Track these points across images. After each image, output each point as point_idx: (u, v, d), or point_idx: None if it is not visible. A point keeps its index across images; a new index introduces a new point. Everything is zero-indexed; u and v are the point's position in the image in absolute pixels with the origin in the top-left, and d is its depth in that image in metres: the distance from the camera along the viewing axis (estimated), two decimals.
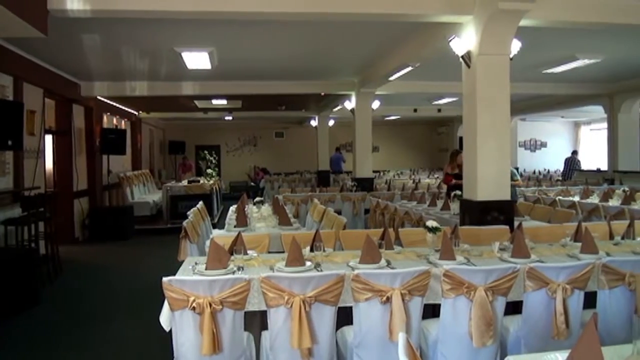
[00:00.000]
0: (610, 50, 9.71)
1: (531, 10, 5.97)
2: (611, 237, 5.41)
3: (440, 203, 8.25)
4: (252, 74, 11.73)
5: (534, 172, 21.19)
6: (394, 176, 19.32)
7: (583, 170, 17.18)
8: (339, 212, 8.93)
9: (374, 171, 15.19)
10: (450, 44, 6.58)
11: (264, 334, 3.59)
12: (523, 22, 6.26)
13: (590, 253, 4.30)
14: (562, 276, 3.65)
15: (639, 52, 10.18)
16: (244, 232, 5.14)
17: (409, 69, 9.32)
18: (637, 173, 14.45)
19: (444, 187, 12.53)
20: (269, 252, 5.07)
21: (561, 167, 18.75)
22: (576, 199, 9.93)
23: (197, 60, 9.35)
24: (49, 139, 10.96)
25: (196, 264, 4.02)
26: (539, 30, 6.99)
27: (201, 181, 15.24)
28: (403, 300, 3.44)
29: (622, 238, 5.06)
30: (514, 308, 3.89)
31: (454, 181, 9.18)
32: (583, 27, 7.05)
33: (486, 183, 6.35)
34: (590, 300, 3.90)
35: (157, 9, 5.90)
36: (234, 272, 3.79)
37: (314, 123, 20.44)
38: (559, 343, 3.52)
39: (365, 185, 12.56)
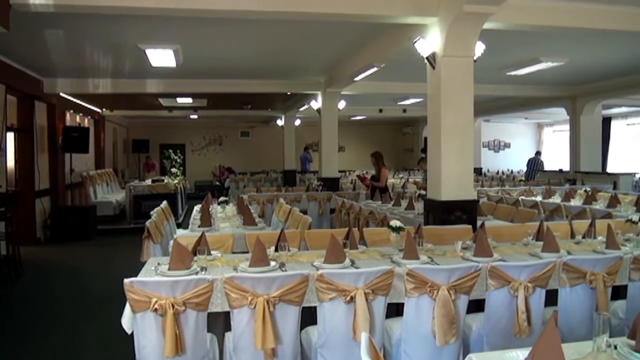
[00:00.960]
0: (573, 53, 9.90)
1: (495, 14, 6.04)
2: (572, 236, 5.52)
3: (404, 203, 8.31)
4: (217, 72, 11.66)
5: (498, 173, 21.48)
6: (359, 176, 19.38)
7: (546, 171, 17.48)
8: (305, 212, 8.92)
9: (339, 171, 15.24)
10: (415, 45, 6.63)
11: (228, 335, 3.56)
12: (487, 25, 6.33)
13: (551, 252, 4.37)
14: (524, 275, 3.72)
15: (601, 55, 10.40)
16: (208, 232, 5.11)
17: (375, 69, 9.36)
18: (599, 174, 14.78)
19: (409, 187, 12.66)
20: (233, 253, 5.03)
21: (524, 168, 19.04)
22: (539, 198, 10.09)
23: (161, 57, 9.24)
24: (10, 136, 10.71)
25: (159, 264, 3.96)
26: (503, 33, 7.08)
27: (165, 180, 15.08)
28: (367, 299, 3.46)
29: (583, 237, 5.16)
30: (476, 306, 3.95)
31: (368, 182, 9.50)
32: (546, 30, 7.18)
33: (450, 183, 6.41)
34: (551, 298, 3.97)
35: (121, 5, 5.81)
36: (197, 273, 3.75)
37: (280, 122, 20.41)
38: (521, 340, 3.58)
39: (331, 184, 12.59)
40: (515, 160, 24.01)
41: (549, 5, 6.61)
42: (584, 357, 2.35)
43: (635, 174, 15.32)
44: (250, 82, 12.73)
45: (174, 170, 16.25)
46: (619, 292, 4.40)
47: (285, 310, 3.43)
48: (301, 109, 17.06)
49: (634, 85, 12.88)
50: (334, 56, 10.22)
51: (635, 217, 5.35)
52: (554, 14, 6.68)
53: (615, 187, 12.81)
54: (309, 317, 3.66)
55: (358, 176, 11.35)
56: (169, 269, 3.77)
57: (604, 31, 7.21)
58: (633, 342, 2.44)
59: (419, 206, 7.53)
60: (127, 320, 3.42)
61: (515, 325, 3.68)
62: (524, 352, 2.30)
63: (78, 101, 14.77)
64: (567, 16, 6.73)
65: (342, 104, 13.46)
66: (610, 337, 2.25)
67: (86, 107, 16.03)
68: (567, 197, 9.64)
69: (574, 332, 3.81)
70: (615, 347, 2.39)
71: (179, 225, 9.66)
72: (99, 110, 17.50)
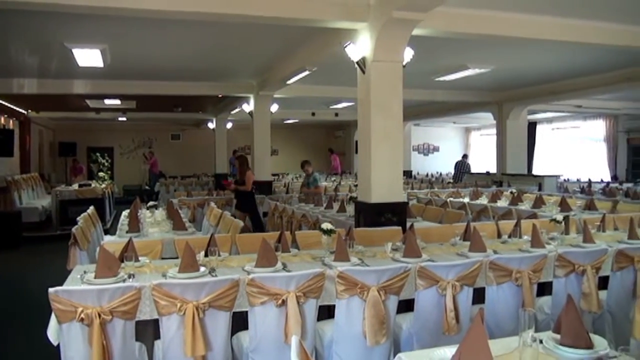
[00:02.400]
0: (499, 60, 10.23)
1: (424, 20, 6.16)
2: (499, 235, 5.71)
3: (336, 205, 8.36)
4: (147, 73, 11.43)
5: (427, 175, 21.91)
6: (292, 179, 19.37)
7: (473, 173, 17.97)
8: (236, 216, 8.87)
9: (272, 174, 15.19)
10: (346, 49, 6.70)
11: (157, 343, 3.48)
12: (416, 31, 6.46)
13: (478, 251, 4.50)
14: (452, 274, 3.81)
15: (526, 63, 10.81)
16: (136, 238, 4.99)
17: (307, 73, 9.40)
18: (524, 176, 15.30)
19: (341, 190, 12.75)
20: (162, 259, 4.93)
21: (452, 170, 19.51)
22: (466, 200, 10.34)
23: (88, 57, 8.97)
24: None
25: (85, 272, 3.84)
26: (431, 40, 7.25)
27: (93, 185, 14.62)
28: (298, 302, 3.46)
29: (509, 237, 5.35)
30: (406, 306, 4.01)
31: (233, 186, 9.75)
32: (473, 38, 7.39)
33: (380, 186, 6.50)
34: (479, 296, 4.09)
35: (46, 1, 5.61)
36: (124, 281, 3.65)
37: (211, 125, 20.16)
38: (450, 338, 3.65)
39: (264, 188, 12.53)
40: (443, 163, 24.56)
41: (476, 14, 6.82)
42: (510, 352, 2.44)
43: (559, 176, 15.96)
44: (181, 84, 12.55)
45: (101, 174, 15.77)
46: (544, 289, 4.58)
47: (216, 316, 3.39)
48: (233, 111, 16.95)
49: (557, 91, 13.47)
50: (266, 59, 10.20)
51: (559, 217, 5.56)
52: (481, 22, 6.90)
53: (540, 189, 13.24)
54: (240, 322, 3.62)
55: (224, 181, 11.37)
56: (95, 277, 3.65)
57: (529, 40, 7.51)
58: (558, 336, 2.55)
59: (350, 209, 7.60)
60: (53, 331, 3.30)
61: (444, 324, 3.77)
62: (451, 349, 2.36)
63: (1, 102, 14.16)
64: (493, 24, 6.97)
65: (274, 107, 13.45)
66: (536, 332, 2.34)
67: (10, 108, 15.37)
68: (494, 198, 9.92)
69: (501, 328, 3.93)
70: (541, 342, 2.49)
71: (106, 231, 9.39)
72: (24, 111, 16.83)
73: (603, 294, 4.53)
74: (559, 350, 2.47)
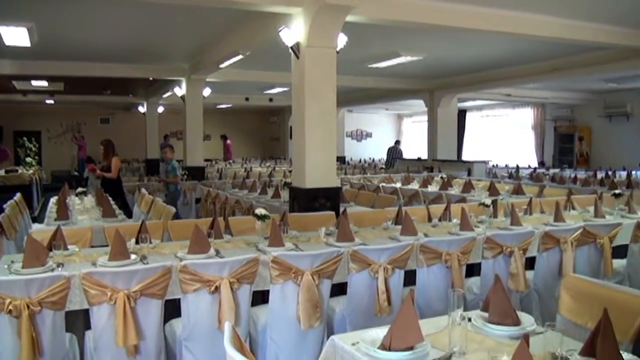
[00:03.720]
0: (431, 49, 10.39)
1: (357, 7, 6.20)
2: (429, 219, 5.82)
3: (271, 191, 8.34)
4: (75, 54, 11.02)
5: (360, 161, 22.13)
6: (226, 165, 19.20)
7: (405, 159, 18.25)
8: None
9: (205, 160, 15.00)
10: (280, 34, 6.65)
11: (88, 334, 3.40)
12: (349, 18, 6.49)
13: (409, 235, 4.59)
14: (384, 257, 3.88)
15: (456, 52, 11.04)
16: (65, 226, 4.83)
17: (240, 57, 9.28)
18: (454, 162, 15.66)
19: (275, 176, 12.73)
20: (92, 247, 4.79)
21: (385, 156, 19.77)
22: (398, 185, 10.50)
23: (14, 36, 8.50)
24: None
25: (12, 262, 3.67)
26: (365, 27, 7.29)
27: (20, 171, 14.06)
28: (232, 288, 3.45)
29: (439, 220, 5.48)
30: (339, 289, 4.06)
31: (98, 172, 9.43)
32: (405, 26, 7.48)
33: (314, 171, 6.53)
34: (410, 278, 4.19)
35: None
36: (52, 270, 3.50)
37: (142, 109, 19.68)
38: (382, 319, 3.72)
39: (197, 174, 12.37)
40: (376, 149, 24.85)
41: (409, 2, 6.91)
42: (440, 330, 2.51)
43: (488, 161, 16.43)
44: (110, 66, 12.15)
45: (28, 159, 15.17)
46: (473, 270, 4.73)
47: (148, 304, 3.33)
48: (165, 95, 16.58)
49: (487, 80, 13.85)
50: (198, 42, 10.03)
51: (487, 201, 5.71)
52: (413, 11, 6.99)
53: (469, 174, 13.57)
54: (172, 309, 3.57)
55: (89, 166, 11.00)
56: (23, 267, 3.50)
57: (460, 29, 7.66)
58: (487, 315, 2.64)
59: (285, 194, 7.59)
60: None
61: (376, 306, 3.85)
62: (383, 330, 2.40)
63: None
64: (425, 13, 7.07)
65: (207, 92, 13.25)
66: (465, 311, 2.40)
67: None
68: (425, 183, 10.11)
69: (431, 309, 4.02)
70: (470, 320, 2.56)
71: (34, 219, 9.03)
72: None
73: (530, 274, 4.74)
74: (487, 327, 2.56)
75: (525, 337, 1.97)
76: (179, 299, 3.47)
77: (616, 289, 2.89)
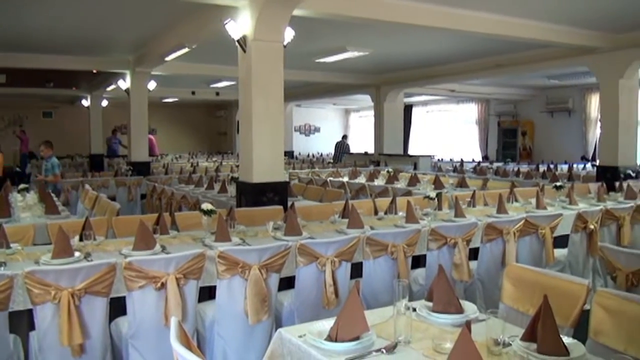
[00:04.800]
0: (377, 44, 10.48)
1: (304, 1, 6.20)
2: (376, 212, 5.89)
3: (217, 186, 8.27)
4: (17, 45, 10.65)
5: (308, 155, 22.19)
6: (172, 160, 18.95)
7: (352, 154, 18.39)
8: (113, 198, 8.56)
9: (156, 155, 14.76)
10: (226, 27, 6.59)
11: (32, 334, 3.31)
12: (297, 12, 6.48)
13: (356, 228, 4.64)
14: (331, 250, 3.91)
15: (402, 47, 11.16)
16: (6, 224, 4.68)
17: (185, 50, 9.15)
18: (401, 156, 15.84)
19: (222, 171, 12.63)
20: (35, 245, 4.66)
21: (333, 151, 19.86)
22: (345, 179, 10.56)
23: None
24: None
25: None
26: (312, 21, 7.30)
27: None
28: (178, 284, 3.41)
29: (385, 213, 5.56)
30: (288, 283, 4.07)
31: None
32: (352, 21, 7.52)
33: (261, 166, 6.49)
34: (357, 270, 4.23)
35: None
36: None
37: (86, 103, 19.16)
38: (330, 312, 3.75)
39: (142, 169, 12.14)
40: (324, 144, 24.94)
41: None
42: (385, 320, 2.55)
43: (433, 156, 16.71)
44: (53, 58, 11.77)
45: None
46: (419, 261, 4.81)
47: (92, 302, 3.27)
48: (109, 88, 16.19)
49: (432, 76, 14.05)
50: (143, 33, 9.83)
51: (432, 194, 5.81)
52: (360, 6, 7.04)
53: (415, 168, 13.74)
54: (118, 307, 3.51)
55: None
56: None
57: (407, 25, 7.76)
58: (431, 304, 2.70)
59: (232, 189, 7.55)
60: None
61: (323, 298, 3.88)
62: (330, 322, 2.43)
63: None
64: (371, 8, 7.13)
65: (152, 85, 13.00)
66: (410, 301, 2.45)
67: None
68: (372, 177, 10.20)
69: (378, 300, 4.07)
70: (414, 310, 2.61)
71: None
72: None
73: (474, 264, 4.86)
74: (431, 316, 2.62)
75: (467, 324, 2.02)
76: (125, 297, 3.41)
77: (557, 277, 2.98)
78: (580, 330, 2.64)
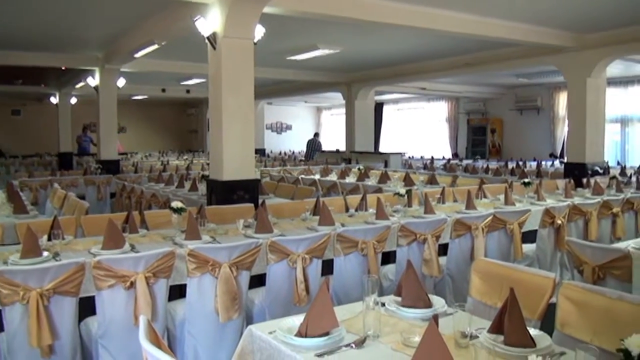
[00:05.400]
0: (348, 42, 10.50)
1: None
2: (347, 209, 5.92)
3: (188, 184, 8.22)
4: None
5: (280, 153, 22.17)
6: (142, 158, 18.77)
7: (324, 151, 18.44)
8: (83, 197, 8.45)
9: (120, 153, 14.61)
10: (196, 24, 6.55)
11: (1, 336, 3.26)
12: (267, 9, 6.47)
13: (327, 225, 4.65)
14: (302, 247, 3.93)
15: (373, 45, 11.21)
16: None
17: (155, 46, 9.07)
18: (372, 153, 15.93)
19: (193, 169, 12.56)
20: (3, 245, 4.59)
21: (304, 149, 19.87)
22: (317, 177, 10.58)
23: None
24: None
25: None
26: (282, 18, 7.29)
27: None
28: (148, 283, 3.39)
29: (356, 210, 5.61)
30: (259, 281, 4.06)
31: None
32: (322, 19, 7.52)
33: (232, 163, 6.47)
34: (329, 267, 4.26)
35: None
36: None
37: (54, 100, 18.85)
38: (301, 309, 3.76)
39: (111, 167, 12.00)
40: (296, 142, 24.94)
41: None
42: (355, 316, 2.57)
43: (404, 153, 16.83)
44: (20, 54, 11.54)
45: None
46: (389, 258, 4.85)
47: (61, 302, 3.23)
48: (78, 85, 15.95)
49: (402, 74, 14.16)
50: (112, 30, 9.71)
51: (402, 191, 5.87)
52: (330, 4, 7.07)
53: (386, 165, 13.84)
54: (87, 307, 3.48)
55: None
56: None
57: (377, 23, 7.80)
58: (400, 299, 2.73)
59: (203, 187, 7.51)
60: None
61: (294, 295, 3.89)
62: (300, 318, 2.44)
63: None
64: (342, 6, 7.16)
65: (121, 82, 12.85)
66: (380, 297, 2.47)
67: None
68: (343, 174, 10.25)
69: (349, 296, 4.11)
70: (384, 305, 2.65)
71: None
72: None
73: (443, 259, 4.91)
74: (400, 311, 2.65)
75: (435, 318, 2.05)
76: (94, 296, 3.37)
77: (524, 271, 3.04)
78: (548, 322, 2.70)
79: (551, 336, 2.46)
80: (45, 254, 3.64)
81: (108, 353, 3.39)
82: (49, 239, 3.93)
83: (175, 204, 4.57)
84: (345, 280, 4.24)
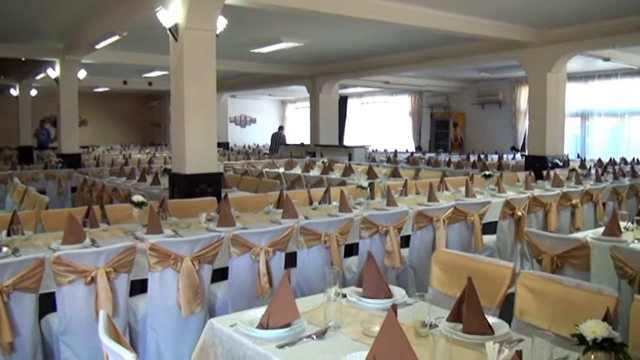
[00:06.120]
0: (312, 35, 10.51)
1: None
2: (311, 202, 5.93)
3: (150, 178, 8.13)
4: None
5: (244, 147, 22.08)
6: (103, 152, 18.50)
7: (288, 145, 18.41)
8: (43, 192, 8.30)
9: (81, 146, 14.36)
10: (157, 14, 6.46)
11: None
12: (229, 1, 6.43)
13: (290, 218, 4.67)
14: (264, 240, 3.93)
15: (335, 39, 11.23)
16: None
17: (117, 37, 8.93)
18: (335, 147, 15.96)
19: (156, 162, 12.42)
20: None
21: (269, 142, 19.82)
22: (281, 170, 10.58)
23: None
24: None
25: None
26: (245, 10, 7.25)
27: None
28: (108, 278, 3.35)
29: (320, 203, 5.60)
30: (222, 274, 4.05)
31: None
32: (284, 11, 7.50)
33: (194, 157, 6.42)
34: (292, 260, 4.27)
35: None
36: None
37: (14, 92, 18.40)
38: (264, 301, 3.74)
39: (72, 161, 11.79)
40: (261, 135, 24.85)
41: None
42: (317, 307, 2.59)
43: (368, 146, 16.91)
44: None
45: None
46: (352, 250, 4.90)
47: (21, 299, 3.18)
48: (38, 77, 15.62)
49: (366, 68, 14.19)
50: (73, 20, 9.51)
51: (364, 184, 5.90)
52: None
53: (350, 159, 13.90)
54: (48, 303, 3.42)
55: None
56: None
57: (340, 17, 7.81)
58: (361, 290, 2.77)
59: (165, 181, 7.44)
60: None
61: (257, 288, 3.90)
62: (261, 310, 2.45)
63: None
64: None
65: (82, 74, 12.60)
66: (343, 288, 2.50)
67: None
68: (307, 168, 10.27)
69: (313, 288, 4.12)
70: (345, 296, 2.67)
71: None
72: None
73: (405, 251, 4.98)
74: (361, 302, 2.69)
75: (394, 307, 2.08)
76: (54, 292, 3.32)
77: (483, 261, 3.11)
78: (508, 311, 2.76)
79: (510, 324, 2.52)
80: (5, 249, 3.56)
81: (69, 350, 3.35)
82: (8, 235, 3.84)
83: (136, 197, 4.52)
84: (309, 273, 4.27)
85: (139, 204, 4.43)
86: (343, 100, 21.40)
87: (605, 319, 1.89)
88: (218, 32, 6.59)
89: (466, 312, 2.32)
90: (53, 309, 3.41)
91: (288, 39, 10.60)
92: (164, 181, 7.54)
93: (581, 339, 1.81)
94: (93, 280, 3.31)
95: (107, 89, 20.57)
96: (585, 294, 2.52)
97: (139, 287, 3.80)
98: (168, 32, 6.52)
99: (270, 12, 7.64)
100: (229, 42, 8.82)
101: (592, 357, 1.80)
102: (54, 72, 12.25)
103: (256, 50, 11.76)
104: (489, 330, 2.29)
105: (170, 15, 6.41)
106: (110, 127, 25.13)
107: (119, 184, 8.08)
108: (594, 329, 1.80)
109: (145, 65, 14.37)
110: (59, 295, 3.31)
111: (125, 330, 3.55)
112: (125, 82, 18.54)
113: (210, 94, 6.55)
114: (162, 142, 23.44)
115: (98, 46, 10.00)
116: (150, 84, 18.60)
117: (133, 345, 3.61)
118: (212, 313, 3.88)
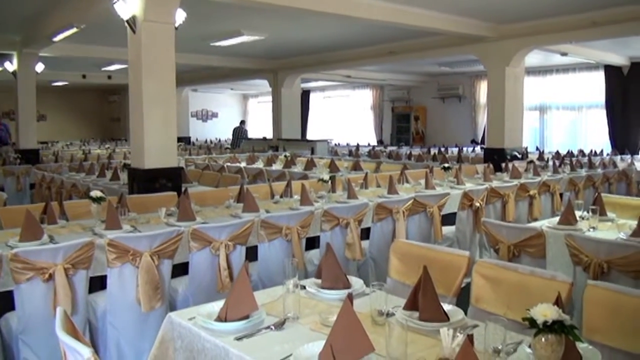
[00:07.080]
0: (273, 29, 10.47)
1: None
2: (272, 196, 5.95)
3: (109, 173, 8.03)
4: None
5: (206, 141, 21.92)
6: (62, 147, 18.15)
7: (250, 139, 18.34)
8: (1, 189, 8.17)
9: (40, 142, 14.08)
10: (115, 6, 6.36)
11: None
12: None
13: (251, 212, 4.68)
14: (224, 234, 3.93)
15: (296, 33, 11.22)
16: None
17: (74, 30, 8.75)
18: (298, 141, 15.98)
19: (115, 157, 12.25)
20: None
21: (231, 137, 19.72)
22: (243, 164, 10.57)
23: None
24: None
25: None
26: (205, 3, 7.20)
27: None
28: (67, 275, 3.32)
29: (281, 197, 5.64)
30: (182, 269, 4.04)
31: None
32: (243, 4, 7.48)
33: (153, 151, 6.35)
34: (253, 254, 4.28)
35: None
36: None
37: None
38: (225, 296, 3.73)
39: (30, 157, 11.56)
40: (222, 130, 24.67)
41: None
42: (276, 299, 2.62)
43: (330, 140, 16.96)
44: None
45: None
46: (314, 243, 4.93)
47: None
48: None
49: (327, 61, 14.25)
50: (30, 12, 9.29)
51: (325, 177, 5.94)
52: None
53: (312, 153, 13.94)
54: (6, 303, 3.37)
55: None
56: None
57: (301, 10, 7.81)
58: (319, 281, 2.80)
59: (124, 176, 7.36)
60: None
61: (218, 282, 3.90)
62: (219, 303, 2.47)
63: None
64: None
65: (40, 67, 12.34)
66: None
67: None
68: (269, 162, 10.30)
69: (274, 281, 4.09)
70: (304, 287, 2.70)
71: None
72: None
73: (366, 243, 5.03)
74: (320, 293, 2.73)
75: (349, 296, 2.12)
76: (13, 291, 3.27)
77: (440, 250, 3.18)
78: (465, 300, 2.83)
79: (467, 312, 2.58)
80: None
81: (29, 349, 3.30)
82: None
83: (95, 193, 4.47)
84: (270, 266, 4.28)
85: (97, 200, 4.38)
86: (305, 95, 21.42)
87: (556, 303, 1.96)
88: (177, 24, 6.53)
89: (422, 300, 2.38)
90: (12, 307, 3.36)
91: (249, 32, 10.55)
92: (124, 176, 7.45)
93: (532, 322, 1.86)
94: (51, 277, 3.27)
95: (66, 83, 20.20)
96: (540, 281, 2.61)
97: (98, 284, 3.76)
98: (126, 24, 6.43)
99: (231, 4, 7.59)
100: (188, 35, 8.74)
101: (543, 339, 1.85)
102: (11, 66, 11.96)
103: (217, 44, 11.66)
104: (444, 317, 2.35)
105: (128, 7, 6.31)
106: (69, 122, 24.67)
107: (78, 180, 7.96)
108: (545, 312, 1.85)
109: (105, 59, 14.15)
110: (17, 294, 3.26)
111: (85, 327, 3.52)
112: (84, 76, 18.23)
113: (169, 88, 6.49)
114: (122, 137, 23.10)
115: (56, 39, 9.79)
116: (109, 77, 18.30)
117: (93, 343, 3.58)
118: (173, 308, 3.85)
